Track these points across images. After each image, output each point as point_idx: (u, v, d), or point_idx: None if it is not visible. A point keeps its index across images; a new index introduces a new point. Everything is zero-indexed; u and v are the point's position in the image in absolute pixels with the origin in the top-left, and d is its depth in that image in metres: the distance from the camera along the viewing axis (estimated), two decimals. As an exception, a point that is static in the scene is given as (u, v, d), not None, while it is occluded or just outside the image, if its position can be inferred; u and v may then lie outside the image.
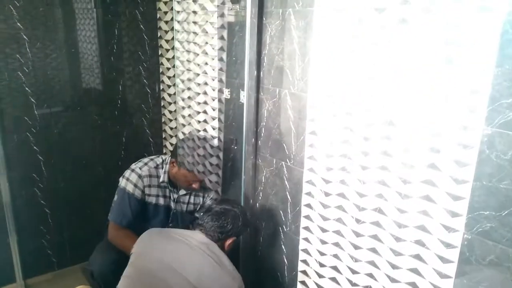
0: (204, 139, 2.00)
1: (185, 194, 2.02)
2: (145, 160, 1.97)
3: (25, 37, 1.98)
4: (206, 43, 1.99)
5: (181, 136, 2.35)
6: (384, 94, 1.28)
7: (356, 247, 1.47)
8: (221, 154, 2.08)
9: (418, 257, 1.28)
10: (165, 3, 2.25)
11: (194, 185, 1.91)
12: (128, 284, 1.41)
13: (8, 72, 1.98)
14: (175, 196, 1.99)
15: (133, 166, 1.93)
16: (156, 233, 1.56)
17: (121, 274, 1.46)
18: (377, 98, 1.30)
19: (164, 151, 2.59)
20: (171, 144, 2.51)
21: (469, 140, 1.10)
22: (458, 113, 1.11)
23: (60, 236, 2.32)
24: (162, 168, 1.95)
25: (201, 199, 2.08)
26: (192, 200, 2.06)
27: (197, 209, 2.10)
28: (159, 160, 1.98)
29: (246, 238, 1.98)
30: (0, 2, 1.88)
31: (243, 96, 1.79)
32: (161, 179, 1.93)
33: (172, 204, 1.99)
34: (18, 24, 1.94)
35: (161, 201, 1.96)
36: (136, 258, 1.47)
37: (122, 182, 1.89)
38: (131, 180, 1.88)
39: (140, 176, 1.88)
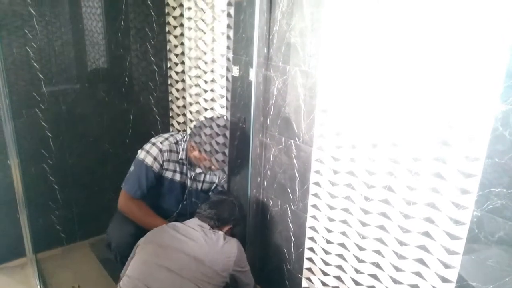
0: (212, 118, 2.00)
1: (201, 173, 2.04)
2: (166, 135, 1.98)
3: (32, 12, 1.96)
4: (215, 19, 1.97)
5: (188, 115, 2.35)
6: (395, 72, 1.27)
7: (364, 224, 1.49)
8: (227, 133, 2.07)
9: (426, 234, 1.29)
10: (173, -21, 2.22)
11: (213, 167, 1.94)
12: (133, 265, 1.51)
13: (16, 47, 1.97)
14: (192, 174, 2.01)
15: (153, 140, 1.94)
16: (157, 229, 1.65)
17: None
18: (390, 75, 1.29)
19: (171, 129, 2.59)
20: (178, 123, 2.51)
21: (483, 116, 1.10)
22: (473, 87, 1.10)
23: (69, 212, 2.35)
24: (181, 145, 1.96)
25: (216, 178, 2.10)
26: (207, 179, 2.08)
27: (212, 188, 2.13)
28: (179, 136, 1.99)
29: (254, 215, 2.01)
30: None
31: (252, 74, 1.78)
32: (179, 156, 1.95)
33: (188, 182, 2.01)
34: (26, -2, 1.93)
35: (177, 177, 1.97)
36: (140, 247, 1.58)
37: (141, 154, 1.89)
38: (151, 153, 1.88)
39: (161, 150, 1.89)
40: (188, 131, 2.04)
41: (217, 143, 2.06)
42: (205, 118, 2.00)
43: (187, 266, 1.45)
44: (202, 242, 1.54)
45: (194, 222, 1.65)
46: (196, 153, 1.92)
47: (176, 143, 1.95)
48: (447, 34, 1.13)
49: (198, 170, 2.02)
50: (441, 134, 1.19)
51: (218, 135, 2.08)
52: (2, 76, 1.89)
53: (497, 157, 1.09)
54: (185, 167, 1.98)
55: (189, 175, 2.00)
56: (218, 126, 1.99)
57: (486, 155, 1.11)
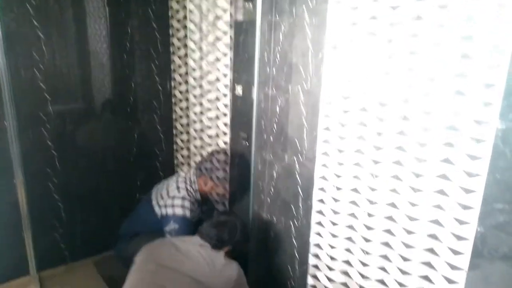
0: (217, 135, 2.05)
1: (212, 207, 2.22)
2: (180, 184, 2.03)
3: (41, 35, 2.01)
4: (218, 40, 2.02)
5: (192, 133, 2.38)
6: (398, 90, 1.30)
7: (367, 241, 1.50)
8: (228, 151, 2.11)
9: (430, 250, 1.30)
10: (177, 1, 2.28)
11: (220, 192, 2.09)
12: (131, 283, 1.48)
13: (23, 69, 2.01)
14: (205, 208, 2.15)
15: (176, 193, 1.99)
16: (157, 245, 1.63)
17: None
18: (391, 94, 1.32)
19: (175, 147, 2.62)
20: (182, 141, 2.54)
21: (483, 135, 1.12)
22: (472, 107, 1.13)
23: (72, 230, 2.35)
24: (190, 185, 2.05)
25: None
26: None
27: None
28: (185, 185, 2.05)
29: (256, 232, 2.01)
30: (19, 1, 1.92)
31: (254, 92, 1.82)
32: (195, 197, 2.04)
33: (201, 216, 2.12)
34: (35, 22, 1.98)
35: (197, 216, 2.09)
36: (137, 266, 1.54)
37: (179, 210, 1.95)
38: (186, 206, 1.96)
39: (190, 202, 1.99)
40: (192, 170, 2.11)
41: (218, 160, 2.08)
42: (208, 153, 2.15)
43: (185, 287, 1.44)
44: (202, 263, 1.53)
45: (195, 240, 1.64)
46: (210, 184, 2.04)
47: (188, 191, 2.04)
48: (446, 55, 1.17)
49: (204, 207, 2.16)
50: (443, 152, 1.22)
51: (218, 152, 2.10)
52: (10, 97, 1.94)
53: (499, 173, 1.11)
54: (199, 205, 2.09)
55: (202, 209, 2.13)
56: (224, 143, 2.04)
57: (488, 172, 1.13)
